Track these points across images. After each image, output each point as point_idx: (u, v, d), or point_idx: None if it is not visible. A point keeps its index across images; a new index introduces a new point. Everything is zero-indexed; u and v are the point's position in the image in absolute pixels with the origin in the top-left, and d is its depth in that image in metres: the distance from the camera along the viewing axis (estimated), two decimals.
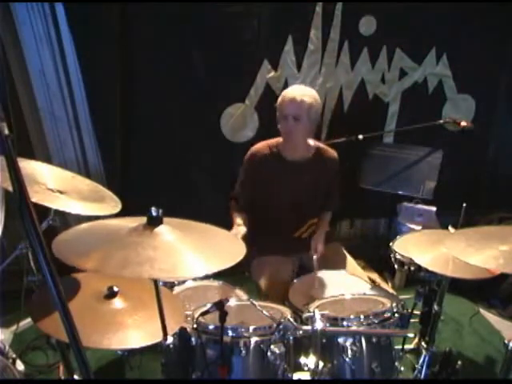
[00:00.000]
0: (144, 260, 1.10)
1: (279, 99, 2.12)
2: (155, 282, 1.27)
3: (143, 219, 1.23)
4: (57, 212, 1.81)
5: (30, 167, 1.63)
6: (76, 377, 1.59)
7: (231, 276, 1.75)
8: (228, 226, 1.41)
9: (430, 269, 1.71)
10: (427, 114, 3.28)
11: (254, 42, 2.95)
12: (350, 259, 2.25)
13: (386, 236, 3.15)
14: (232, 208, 2.27)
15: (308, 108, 2.06)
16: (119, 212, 1.63)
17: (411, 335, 1.75)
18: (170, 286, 1.86)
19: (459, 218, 1.88)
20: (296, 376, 1.54)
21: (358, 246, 2.36)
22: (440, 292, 1.92)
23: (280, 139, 2.21)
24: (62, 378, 1.99)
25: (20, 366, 2.11)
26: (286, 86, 3.07)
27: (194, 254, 1.19)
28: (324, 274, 2.05)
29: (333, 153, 2.28)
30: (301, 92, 2.08)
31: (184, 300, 1.75)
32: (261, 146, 2.25)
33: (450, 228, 1.92)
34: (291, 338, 1.54)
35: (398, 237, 2.06)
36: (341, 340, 1.58)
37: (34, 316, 1.30)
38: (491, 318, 2.80)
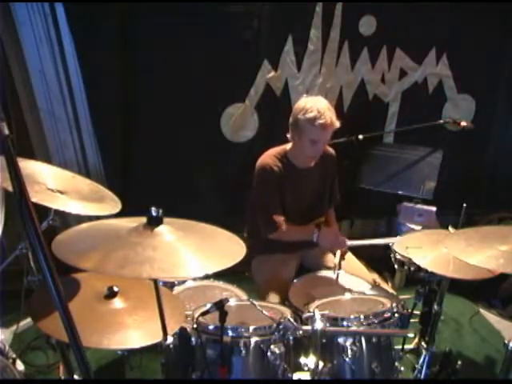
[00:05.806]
0: (144, 260, 1.10)
1: (304, 120, 1.95)
2: (155, 281, 1.27)
3: (143, 219, 1.23)
4: (57, 212, 1.81)
5: (30, 167, 1.63)
6: (76, 377, 1.59)
7: (231, 276, 1.75)
8: (227, 225, 1.40)
9: (430, 269, 1.71)
10: (427, 114, 3.27)
11: (254, 42, 2.94)
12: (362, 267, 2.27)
13: (386, 236, 3.14)
14: (289, 228, 2.09)
15: (335, 127, 2.00)
16: (119, 212, 1.63)
17: (411, 335, 1.75)
18: (170, 285, 1.86)
19: (459, 217, 1.88)
20: (296, 376, 1.54)
21: (358, 246, 2.35)
22: (440, 292, 1.93)
23: (284, 147, 2.16)
24: (62, 377, 1.99)
25: (20, 366, 2.10)
26: (286, 86, 3.07)
27: (193, 254, 1.19)
28: (324, 274, 2.06)
29: (331, 150, 2.29)
30: (330, 114, 1.95)
31: (184, 300, 1.75)
32: (268, 158, 2.12)
33: (449, 228, 1.92)
34: (291, 337, 1.55)
35: (398, 237, 2.06)
36: (341, 340, 1.58)
37: (34, 316, 1.30)
38: (491, 317, 2.80)
